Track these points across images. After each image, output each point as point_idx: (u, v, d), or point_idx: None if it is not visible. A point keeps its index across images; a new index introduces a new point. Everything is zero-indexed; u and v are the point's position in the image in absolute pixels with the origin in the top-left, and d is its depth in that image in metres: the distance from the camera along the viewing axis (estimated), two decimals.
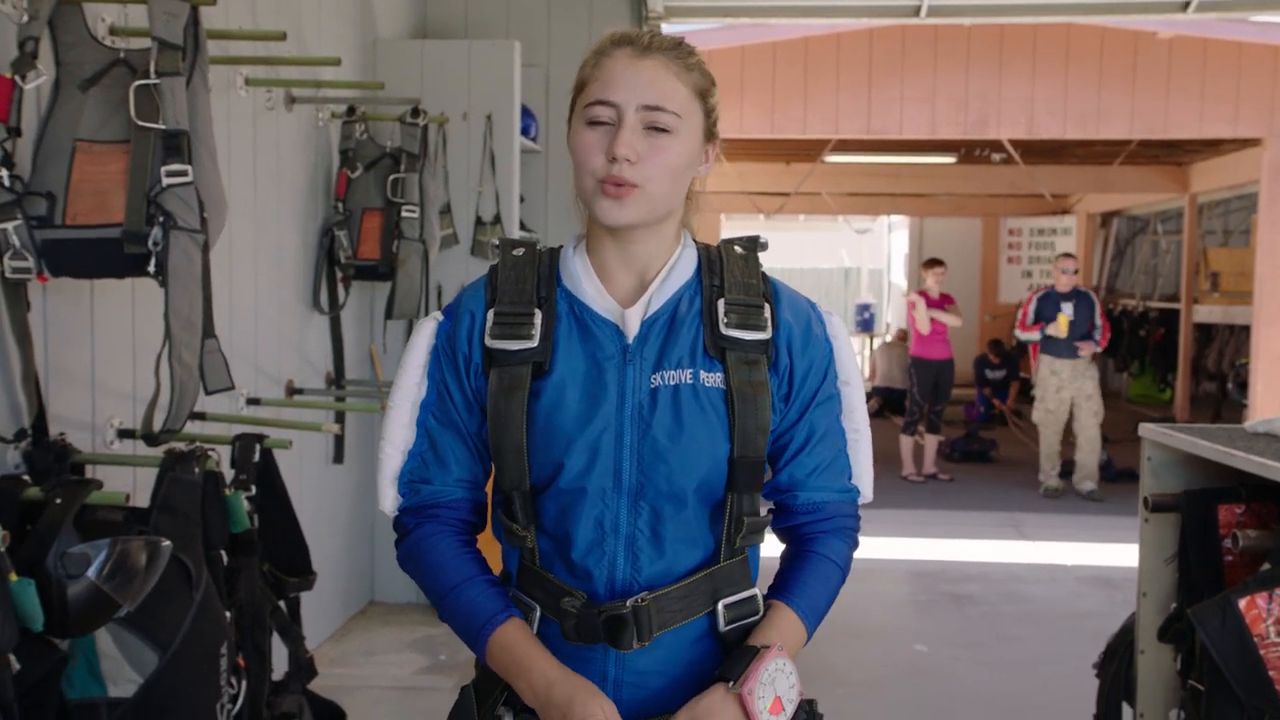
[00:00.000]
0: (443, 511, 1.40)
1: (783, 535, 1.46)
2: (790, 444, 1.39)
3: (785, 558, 1.44)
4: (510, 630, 1.32)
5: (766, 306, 1.36)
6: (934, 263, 8.56)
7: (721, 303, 1.35)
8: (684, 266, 1.39)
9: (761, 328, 1.35)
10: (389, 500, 1.42)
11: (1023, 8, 5.64)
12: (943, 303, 8.37)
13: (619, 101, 1.30)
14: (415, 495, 1.41)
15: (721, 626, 1.35)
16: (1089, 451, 7.79)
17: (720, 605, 1.34)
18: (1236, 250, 11.69)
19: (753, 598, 1.37)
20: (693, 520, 1.33)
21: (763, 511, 1.38)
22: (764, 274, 1.40)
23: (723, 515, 1.34)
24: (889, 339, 13.26)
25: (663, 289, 1.37)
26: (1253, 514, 2.41)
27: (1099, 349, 7.76)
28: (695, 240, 1.43)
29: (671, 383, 1.32)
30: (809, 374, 1.38)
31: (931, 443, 8.49)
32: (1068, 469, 8.04)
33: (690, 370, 1.32)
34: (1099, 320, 7.71)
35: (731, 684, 1.27)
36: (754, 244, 1.41)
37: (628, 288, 1.38)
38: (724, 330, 1.33)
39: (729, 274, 1.37)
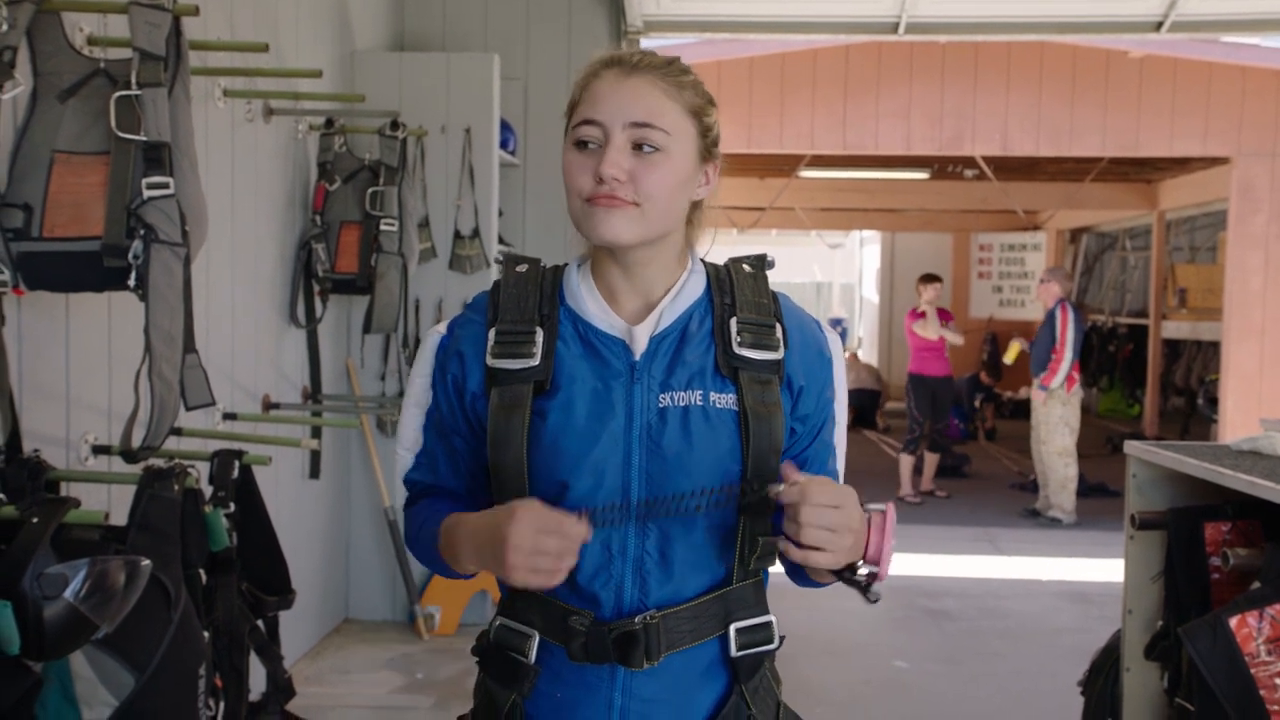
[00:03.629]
0: (437, 493, 1.41)
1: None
2: (796, 456, 1.38)
3: None
4: (451, 517, 1.32)
5: (778, 326, 1.35)
6: (930, 278, 8.33)
7: (734, 321, 1.33)
8: (693, 286, 1.37)
9: (774, 347, 1.33)
10: (400, 496, 1.45)
11: (998, 26, 5.67)
12: (943, 318, 8.23)
13: (604, 120, 1.28)
14: (415, 489, 1.43)
15: (733, 651, 1.32)
16: (1048, 479, 7.50)
17: (732, 628, 1.32)
18: (1203, 266, 11.83)
19: (768, 624, 1.34)
20: (703, 543, 1.31)
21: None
22: (773, 292, 1.38)
23: (734, 537, 1.31)
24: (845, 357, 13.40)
25: (673, 306, 1.34)
26: (1239, 531, 2.42)
27: (1042, 387, 7.31)
28: (704, 261, 1.41)
29: (681, 404, 1.29)
30: (813, 391, 1.37)
31: (931, 461, 8.35)
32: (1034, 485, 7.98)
33: (700, 391, 1.30)
34: (1058, 346, 7.26)
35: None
36: (762, 262, 1.40)
37: (633, 309, 1.35)
38: (737, 350, 1.31)
39: (739, 293, 1.35)
